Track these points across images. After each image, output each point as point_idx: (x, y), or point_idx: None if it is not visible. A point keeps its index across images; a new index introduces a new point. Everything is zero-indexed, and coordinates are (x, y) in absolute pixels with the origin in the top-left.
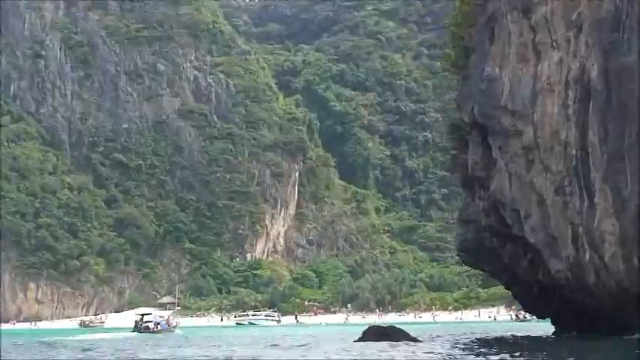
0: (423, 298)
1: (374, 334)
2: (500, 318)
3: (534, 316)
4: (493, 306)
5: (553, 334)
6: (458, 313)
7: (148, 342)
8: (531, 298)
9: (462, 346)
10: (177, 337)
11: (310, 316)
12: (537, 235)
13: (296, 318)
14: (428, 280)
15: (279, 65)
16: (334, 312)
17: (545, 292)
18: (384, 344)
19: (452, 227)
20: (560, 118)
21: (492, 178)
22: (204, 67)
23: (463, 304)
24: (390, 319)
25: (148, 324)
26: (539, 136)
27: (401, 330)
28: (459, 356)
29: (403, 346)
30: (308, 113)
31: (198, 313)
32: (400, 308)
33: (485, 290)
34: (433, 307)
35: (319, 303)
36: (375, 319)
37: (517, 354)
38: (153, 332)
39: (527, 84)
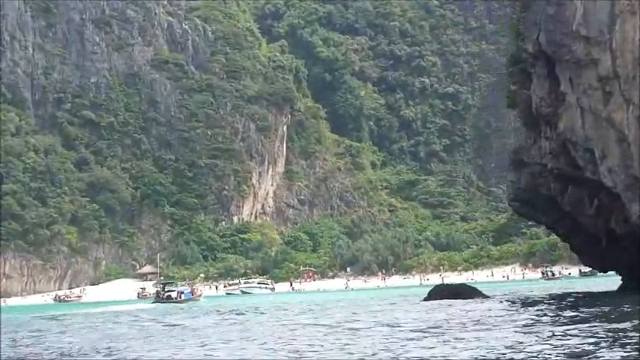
0: (429, 258)
1: (443, 292)
2: (516, 277)
3: (571, 273)
4: (506, 265)
5: (619, 289)
6: (468, 274)
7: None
8: (596, 249)
9: (549, 303)
10: (207, 306)
11: (303, 281)
12: (616, 177)
13: (291, 285)
14: (434, 238)
15: (260, 9)
16: (332, 277)
17: (617, 242)
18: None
19: (455, 180)
20: None
21: (561, 114)
22: (179, 12)
23: (473, 263)
24: (395, 282)
25: (170, 293)
26: (618, 64)
27: (473, 288)
28: (552, 312)
29: (485, 304)
30: (295, 60)
31: (183, 282)
32: (405, 270)
33: (498, 248)
34: (441, 267)
35: (315, 268)
36: (378, 282)
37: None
38: (176, 302)
39: (604, 6)
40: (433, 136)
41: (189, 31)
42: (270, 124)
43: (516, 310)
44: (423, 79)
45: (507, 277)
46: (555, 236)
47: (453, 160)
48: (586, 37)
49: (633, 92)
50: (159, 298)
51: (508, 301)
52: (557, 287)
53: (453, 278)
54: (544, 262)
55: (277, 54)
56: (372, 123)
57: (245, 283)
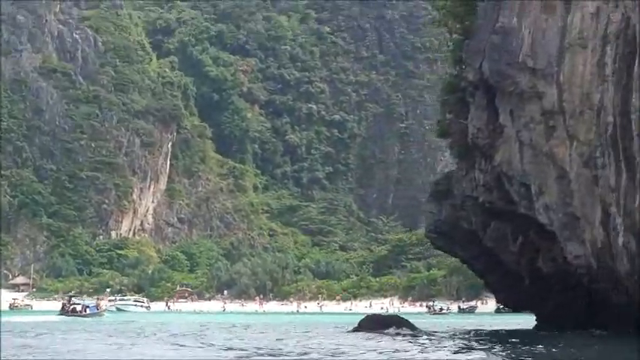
0: (308, 286)
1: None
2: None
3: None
4: (385, 297)
5: (536, 328)
6: (347, 304)
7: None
8: (514, 288)
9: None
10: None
11: (177, 301)
12: (553, 215)
13: (167, 304)
14: (313, 266)
15: (151, 23)
16: (209, 299)
17: (541, 281)
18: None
19: (336, 209)
20: (593, 79)
21: (498, 147)
22: (70, 20)
23: (352, 293)
24: (272, 308)
25: (75, 306)
26: (564, 99)
27: (405, 319)
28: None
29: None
30: (184, 78)
31: (56, 296)
32: (283, 296)
33: (377, 279)
34: (320, 296)
35: (192, 288)
36: (255, 307)
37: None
38: (81, 316)
39: (553, 38)
40: (317, 163)
41: (80, 40)
42: (156, 140)
43: (468, 349)
44: (310, 105)
45: (387, 309)
46: (436, 271)
47: (335, 188)
48: (532, 68)
49: (579, 128)
50: (64, 311)
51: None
52: (465, 323)
53: (332, 307)
54: (423, 296)
55: (167, 70)
56: (256, 146)
57: (120, 300)
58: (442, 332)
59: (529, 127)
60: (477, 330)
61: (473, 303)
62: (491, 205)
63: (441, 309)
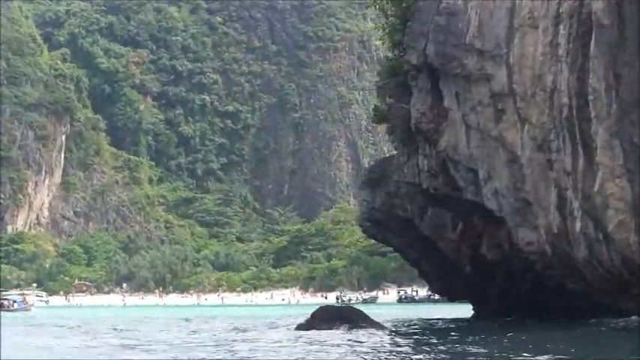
0: (208, 278)
1: (326, 316)
2: (302, 301)
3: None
4: (286, 287)
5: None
6: (248, 295)
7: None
8: (449, 276)
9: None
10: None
11: (75, 295)
12: (503, 200)
13: (67, 298)
14: (213, 258)
15: (40, 15)
16: (108, 292)
17: (482, 269)
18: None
19: (232, 200)
20: (545, 60)
21: (443, 131)
22: None
23: (253, 285)
24: (172, 300)
25: (3, 301)
26: (514, 81)
27: (360, 311)
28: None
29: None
30: (76, 70)
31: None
32: (182, 289)
33: (278, 270)
34: (220, 288)
35: (91, 282)
36: (156, 300)
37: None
38: (8, 310)
39: (502, 18)
40: (211, 154)
41: None
42: (49, 133)
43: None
44: (203, 96)
45: (288, 300)
46: (336, 262)
47: (231, 179)
48: (480, 50)
49: (531, 111)
50: None
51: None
52: (407, 313)
53: (233, 299)
54: (324, 287)
55: (59, 62)
56: (150, 138)
57: (20, 295)
58: (402, 325)
59: (476, 111)
60: (427, 320)
61: (374, 293)
62: (435, 192)
63: (350, 299)
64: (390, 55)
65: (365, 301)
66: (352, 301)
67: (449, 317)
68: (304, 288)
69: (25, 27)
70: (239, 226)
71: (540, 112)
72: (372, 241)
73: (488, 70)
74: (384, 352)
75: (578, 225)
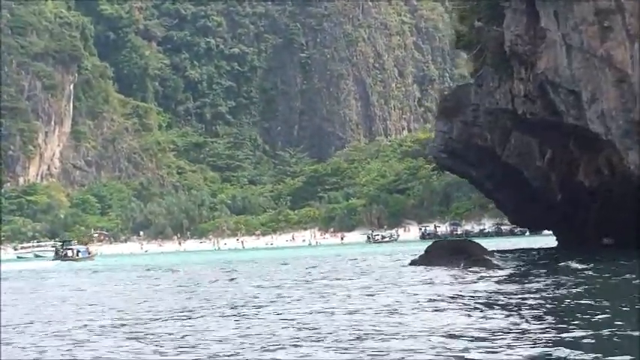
0: (226, 222)
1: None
2: (323, 242)
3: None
4: (305, 229)
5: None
6: (267, 238)
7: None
8: (530, 206)
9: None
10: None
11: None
12: (611, 123)
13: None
14: (229, 202)
15: None
16: (124, 240)
17: (577, 197)
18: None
19: (242, 143)
20: None
21: (541, 53)
22: None
23: (272, 227)
24: (191, 246)
25: (67, 251)
26: None
27: (477, 244)
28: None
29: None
30: (81, 17)
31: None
32: (200, 234)
33: (296, 212)
34: (238, 232)
35: (107, 231)
36: (174, 246)
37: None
38: (73, 260)
39: None
40: (219, 98)
41: None
42: (57, 82)
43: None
44: (208, 40)
45: (309, 242)
46: (355, 201)
47: (239, 122)
48: None
49: None
50: (58, 255)
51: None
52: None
53: (252, 243)
54: (343, 226)
55: (63, 10)
56: (157, 83)
57: (37, 246)
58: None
59: (579, 30)
60: (520, 250)
61: (394, 231)
62: (532, 117)
63: (383, 237)
64: None
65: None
66: (386, 239)
67: (536, 247)
68: (324, 228)
69: None
70: (250, 169)
71: None
72: (390, 178)
73: None
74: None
75: None
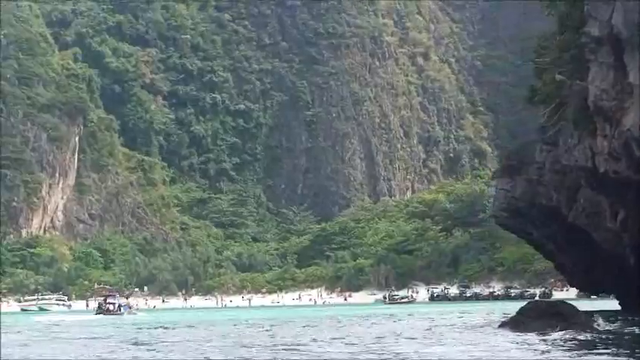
0: (231, 279)
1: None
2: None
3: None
4: (311, 288)
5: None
6: (274, 296)
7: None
8: (596, 269)
9: None
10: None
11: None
12: None
13: (87, 303)
14: (235, 259)
15: (47, 15)
16: (128, 296)
17: None
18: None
19: (246, 200)
20: None
21: (627, 109)
22: None
23: (278, 285)
24: (196, 303)
25: (109, 306)
26: None
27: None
28: None
29: None
30: (88, 70)
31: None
32: (206, 291)
33: (302, 270)
34: (244, 289)
35: (111, 285)
36: (180, 302)
37: None
38: (116, 314)
39: None
40: (224, 154)
41: None
42: (63, 134)
43: None
44: (214, 95)
45: (314, 301)
46: (362, 260)
47: (244, 179)
48: None
49: None
50: (100, 309)
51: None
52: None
53: (258, 300)
54: (351, 286)
55: (70, 62)
56: (161, 138)
57: (41, 299)
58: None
59: None
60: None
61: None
62: (616, 176)
63: (401, 298)
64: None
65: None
66: (404, 300)
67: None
68: (330, 288)
69: (35, 26)
70: (254, 226)
71: None
72: (398, 239)
73: None
74: None
75: None
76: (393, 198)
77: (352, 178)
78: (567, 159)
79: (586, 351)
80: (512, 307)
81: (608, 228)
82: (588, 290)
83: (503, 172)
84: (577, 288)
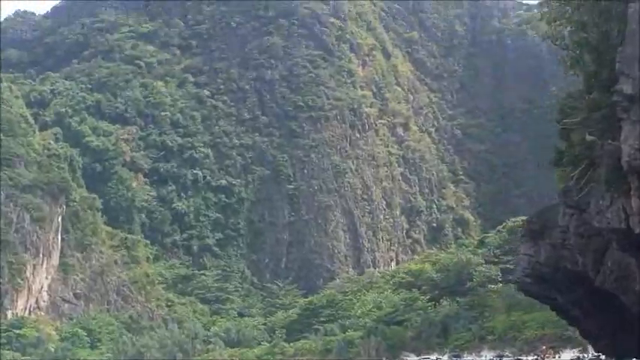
0: (220, 355)
1: None
2: None
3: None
4: None
5: None
6: None
7: None
8: (622, 334)
9: None
10: None
11: None
12: None
13: None
14: (223, 334)
15: (25, 96)
16: None
17: None
18: None
19: (230, 276)
20: None
21: None
22: None
23: None
24: None
25: None
26: None
27: None
28: None
29: None
30: (69, 149)
31: None
32: None
33: (291, 344)
34: None
35: None
36: None
37: None
38: None
39: None
40: (206, 230)
41: None
42: (45, 214)
43: None
44: (195, 171)
45: None
46: (352, 332)
47: (227, 254)
48: None
49: None
50: None
51: None
52: None
53: None
54: (341, 359)
55: (51, 142)
56: (143, 215)
57: None
58: None
59: None
60: None
61: None
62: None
63: None
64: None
65: None
66: None
67: None
68: None
69: (15, 107)
70: (239, 301)
71: None
72: (387, 310)
73: None
74: None
75: None
76: (377, 269)
77: (336, 251)
78: (599, 221)
79: None
80: None
81: (637, 291)
82: (615, 356)
83: (525, 236)
84: (603, 353)
